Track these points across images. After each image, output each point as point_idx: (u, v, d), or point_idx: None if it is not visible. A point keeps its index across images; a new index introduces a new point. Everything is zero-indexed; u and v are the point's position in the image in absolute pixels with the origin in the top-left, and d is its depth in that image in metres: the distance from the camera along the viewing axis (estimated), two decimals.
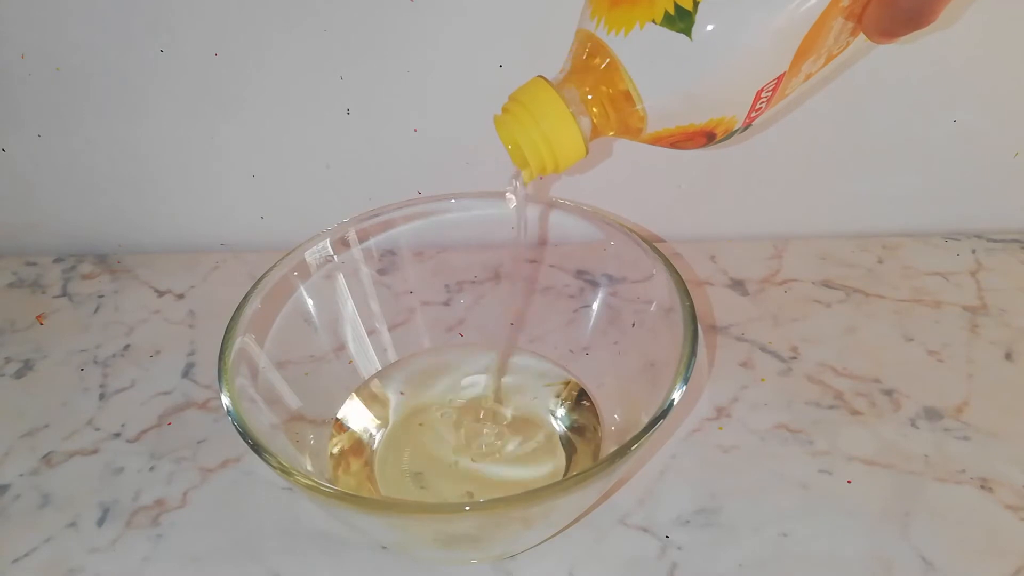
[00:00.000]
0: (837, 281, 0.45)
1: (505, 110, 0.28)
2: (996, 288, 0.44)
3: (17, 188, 0.48)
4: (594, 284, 0.39)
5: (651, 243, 0.34)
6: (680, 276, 0.32)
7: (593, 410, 0.36)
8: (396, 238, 0.39)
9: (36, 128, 0.46)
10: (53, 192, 0.49)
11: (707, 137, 0.27)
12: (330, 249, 0.37)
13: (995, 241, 0.48)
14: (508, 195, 0.31)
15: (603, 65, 0.26)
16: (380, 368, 0.39)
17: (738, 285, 0.45)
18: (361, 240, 0.38)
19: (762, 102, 0.26)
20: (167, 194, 0.48)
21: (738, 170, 0.47)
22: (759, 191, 0.48)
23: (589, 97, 0.27)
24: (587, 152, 0.28)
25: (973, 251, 0.47)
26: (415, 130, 0.45)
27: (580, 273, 0.40)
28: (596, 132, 0.28)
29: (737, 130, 0.27)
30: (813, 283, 0.45)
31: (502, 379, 0.38)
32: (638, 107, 0.26)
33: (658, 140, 0.28)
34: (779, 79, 0.26)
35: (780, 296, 0.44)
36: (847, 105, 0.44)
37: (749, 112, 0.26)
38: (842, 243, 0.48)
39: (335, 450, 0.35)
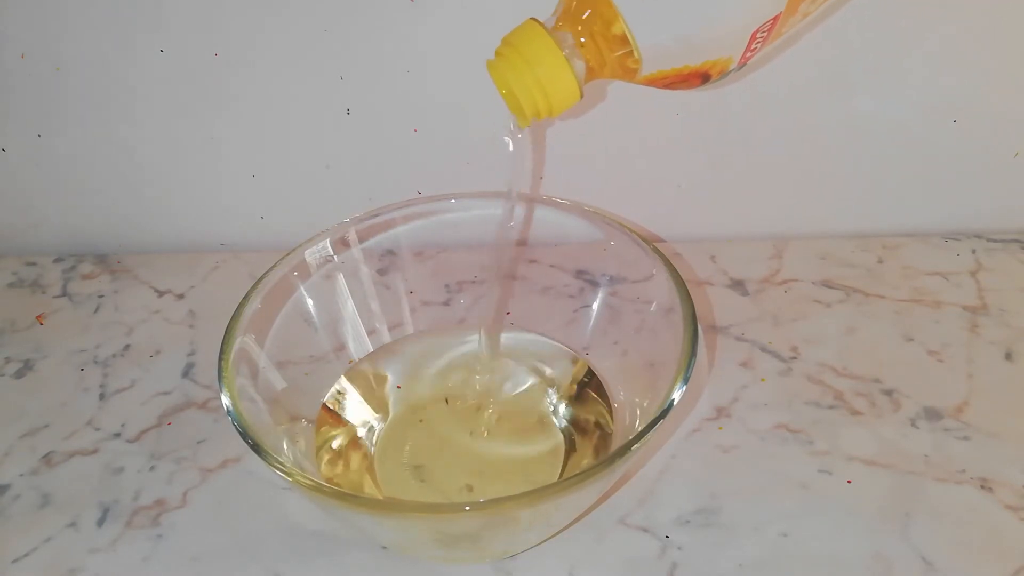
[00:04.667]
0: (837, 281, 0.45)
1: (498, 54, 0.28)
2: (996, 288, 0.44)
3: (17, 188, 0.48)
4: (594, 284, 0.39)
5: (651, 243, 0.34)
6: (680, 276, 0.32)
7: (602, 394, 0.36)
8: (396, 238, 0.39)
9: (36, 128, 0.46)
10: (53, 192, 0.49)
11: (702, 78, 0.27)
12: (330, 249, 0.37)
13: (995, 241, 0.48)
14: (506, 138, 0.31)
15: (597, 7, 0.26)
16: (373, 351, 0.39)
17: (738, 285, 0.45)
18: (361, 240, 0.38)
19: (757, 42, 0.26)
20: (167, 194, 0.48)
21: (738, 170, 0.47)
22: (759, 191, 0.48)
23: (583, 40, 0.27)
24: (582, 96, 0.27)
25: (973, 251, 0.47)
26: (415, 130, 0.45)
27: (580, 273, 0.40)
28: (591, 75, 0.28)
29: (732, 70, 0.27)
30: (813, 283, 0.45)
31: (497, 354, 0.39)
32: (632, 50, 0.26)
33: (653, 82, 0.28)
34: (775, 19, 0.25)
35: (780, 296, 0.44)
36: (847, 105, 0.44)
37: (744, 52, 0.26)
38: (842, 243, 0.48)
39: (334, 444, 0.35)
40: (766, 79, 0.42)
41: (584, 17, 0.26)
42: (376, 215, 0.38)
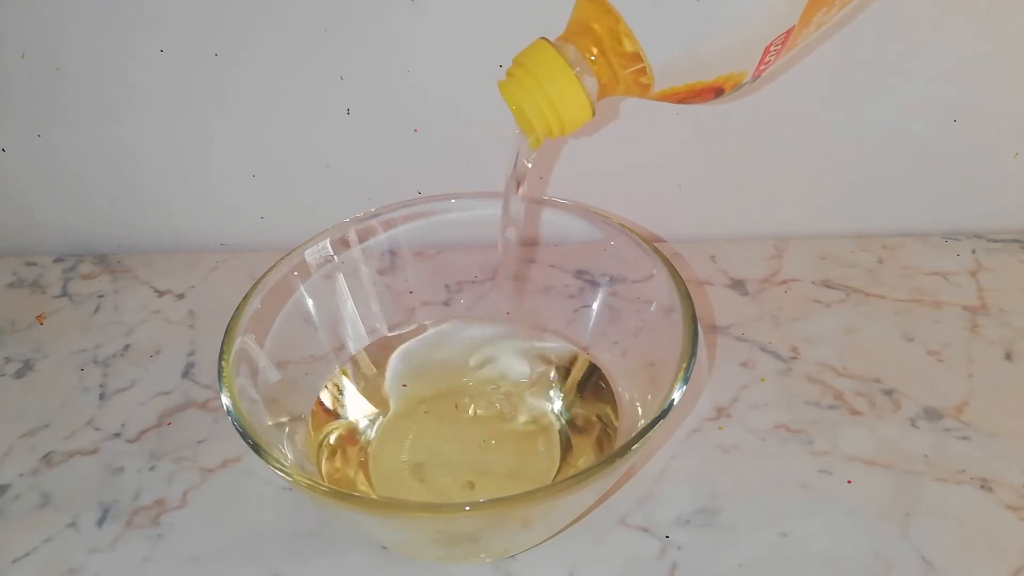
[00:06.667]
0: (837, 281, 0.45)
1: (509, 74, 0.28)
2: (996, 288, 0.44)
3: (17, 188, 0.48)
4: (594, 284, 0.39)
5: (651, 243, 0.34)
6: (680, 276, 0.32)
7: (605, 391, 0.36)
8: (396, 238, 0.39)
9: (36, 128, 0.46)
10: (53, 192, 0.49)
11: (715, 92, 0.27)
12: (330, 249, 0.37)
13: (995, 241, 0.48)
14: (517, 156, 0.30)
15: (607, 25, 0.26)
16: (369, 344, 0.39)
17: (738, 285, 0.45)
18: (361, 240, 0.38)
19: (771, 55, 0.26)
20: (167, 194, 0.48)
21: (738, 170, 0.47)
22: (759, 191, 0.48)
23: (593, 58, 0.26)
24: (594, 113, 0.27)
25: (973, 251, 0.47)
26: (415, 130, 0.45)
27: (580, 273, 0.40)
28: (603, 92, 0.27)
29: (746, 83, 0.27)
30: (813, 283, 0.45)
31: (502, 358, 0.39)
32: (644, 67, 0.26)
33: (666, 98, 0.27)
34: (788, 32, 0.25)
35: (780, 296, 0.44)
36: (847, 105, 0.44)
37: (758, 66, 0.26)
38: (842, 243, 0.48)
39: (331, 439, 0.35)
40: (767, 80, 0.42)
41: (595, 35, 0.26)
42: (376, 215, 0.38)
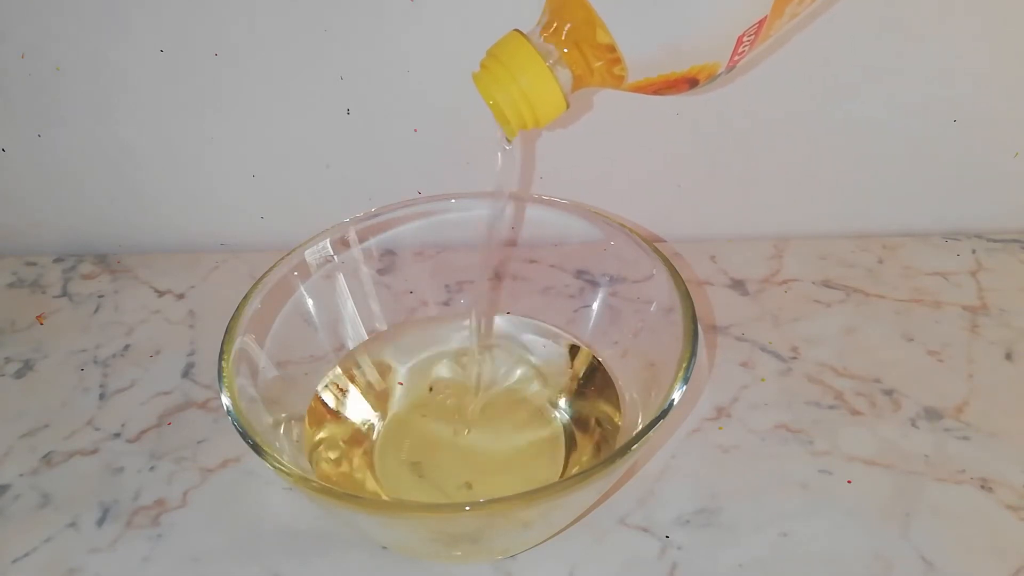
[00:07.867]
0: (837, 281, 0.45)
1: (482, 66, 0.28)
2: (996, 288, 0.44)
3: (17, 188, 0.48)
4: (594, 284, 0.39)
5: (651, 243, 0.34)
6: (680, 276, 0.32)
7: (607, 389, 0.36)
8: (396, 238, 0.39)
9: (36, 128, 0.46)
10: (53, 192, 0.49)
11: (689, 83, 0.27)
12: (330, 249, 0.37)
13: (995, 241, 0.48)
14: (500, 152, 0.31)
15: (580, 17, 0.26)
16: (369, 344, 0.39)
17: (738, 285, 0.45)
18: (361, 240, 0.38)
19: (744, 46, 0.26)
20: (167, 194, 0.48)
21: (738, 170, 0.47)
22: (759, 191, 0.48)
23: (566, 50, 0.27)
24: (568, 106, 0.27)
25: (973, 251, 0.47)
26: (415, 130, 0.45)
27: (580, 273, 0.40)
28: (578, 84, 0.27)
29: (720, 74, 0.27)
30: (813, 283, 0.45)
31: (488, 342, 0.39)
32: (618, 58, 0.26)
33: (640, 88, 0.27)
34: (761, 22, 0.25)
35: (780, 296, 0.44)
36: (847, 105, 0.44)
37: (731, 57, 0.26)
38: (842, 243, 0.48)
39: (330, 438, 0.35)
40: (766, 80, 0.42)
41: (568, 27, 0.26)
42: (376, 215, 0.38)
